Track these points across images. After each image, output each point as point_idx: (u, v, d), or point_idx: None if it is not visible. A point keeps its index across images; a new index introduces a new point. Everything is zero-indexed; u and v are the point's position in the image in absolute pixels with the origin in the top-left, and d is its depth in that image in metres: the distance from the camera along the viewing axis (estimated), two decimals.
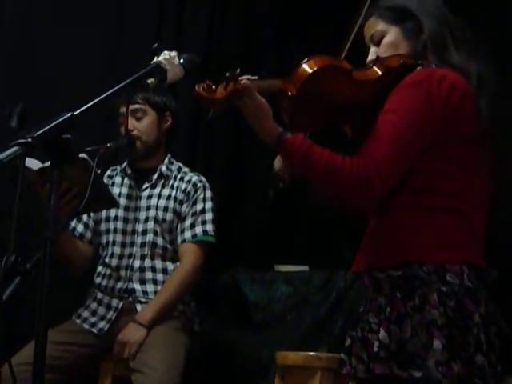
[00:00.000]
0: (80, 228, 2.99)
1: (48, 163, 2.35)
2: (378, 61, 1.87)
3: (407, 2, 1.93)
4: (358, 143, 1.83)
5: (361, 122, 1.87)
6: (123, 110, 2.94)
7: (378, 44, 1.94)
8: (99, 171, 2.55)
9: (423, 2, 1.92)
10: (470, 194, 1.81)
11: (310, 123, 1.91)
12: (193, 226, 2.92)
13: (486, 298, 1.79)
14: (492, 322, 1.77)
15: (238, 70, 1.81)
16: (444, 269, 1.74)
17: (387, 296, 1.78)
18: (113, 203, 2.73)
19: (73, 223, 2.98)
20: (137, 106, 2.95)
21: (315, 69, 1.80)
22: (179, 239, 2.93)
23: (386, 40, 1.92)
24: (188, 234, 2.91)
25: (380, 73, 1.84)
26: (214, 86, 1.82)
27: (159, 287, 2.87)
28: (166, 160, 3.02)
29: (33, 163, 2.47)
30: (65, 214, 2.44)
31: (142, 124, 2.95)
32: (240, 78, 1.81)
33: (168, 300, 2.81)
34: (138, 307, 2.85)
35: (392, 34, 1.91)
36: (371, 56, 1.94)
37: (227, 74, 1.79)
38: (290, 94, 1.81)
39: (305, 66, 1.80)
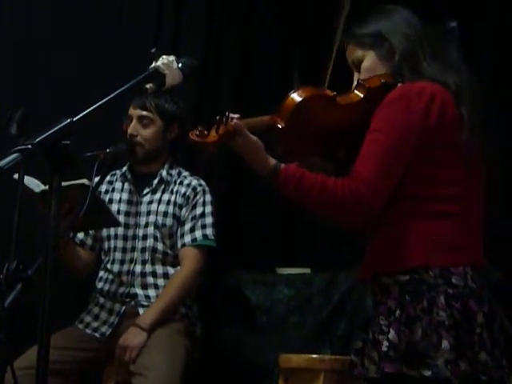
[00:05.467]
0: (80, 235, 3.00)
1: None
2: (358, 84, 1.99)
3: (378, 23, 2.03)
4: (352, 166, 1.92)
5: (353, 144, 1.94)
6: (131, 112, 2.94)
7: (358, 69, 2.05)
8: (98, 178, 2.55)
9: (393, 20, 2.02)
10: (467, 198, 1.89)
11: (303, 153, 2.03)
12: (192, 230, 2.92)
13: (489, 297, 1.86)
14: (495, 319, 1.85)
15: (227, 113, 1.92)
16: (449, 272, 1.82)
17: (396, 299, 1.85)
18: (114, 223, 2.78)
19: None
20: (145, 113, 2.94)
21: (300, 99, 1.93)
22: (179, 243, 2.93)
23: (364, 65, 2.03)
24: (188, 238, 2.91)
25: (362, 95, 1.97)
26: (205, 132, 1.95)
27: (161, 291, 2.87)
28: (167, 165, 3.02)
29: (34, 184, 2.48)
30: (66, 231, 2.49)
31: (147, 131, 2.94)
32: (230, 118, 1.92)
33: (169, 303, 2.81)
34: (141, 311, 2.85)
35: (368, 59, 2.02)
36: (355, 81, 2.05)
37: (217, 117, 1.92)
38: (279, 126, 1.93)
39: (290, 99, 1.94)
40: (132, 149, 2.91)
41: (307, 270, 3.21)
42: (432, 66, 1.94)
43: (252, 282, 3.18)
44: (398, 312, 1.82)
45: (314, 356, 2.62)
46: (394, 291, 1.86)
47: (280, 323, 3.06)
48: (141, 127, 2.93)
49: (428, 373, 1.75)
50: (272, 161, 1.92)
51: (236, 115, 1.96)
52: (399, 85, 1.95)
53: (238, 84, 3.76)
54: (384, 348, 1.80)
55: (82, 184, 2.48)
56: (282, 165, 1.91)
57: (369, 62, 2.02)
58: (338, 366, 2.52)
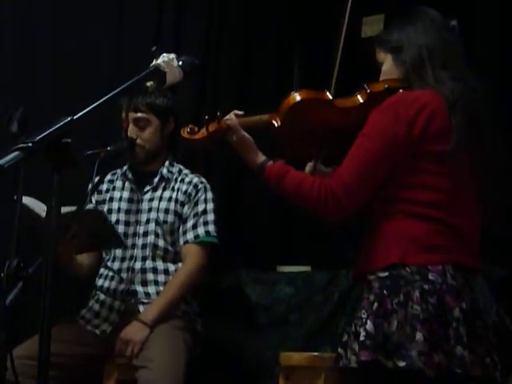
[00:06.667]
0: None
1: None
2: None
3: (400, 30, 2.11)
4: None
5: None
6: (125, 115, 2.94)
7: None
8: (98, 177, 2.57)
9: (414, 28, 2.09)
10: (454, 204, 1.97)
11: (301, 149, 2.14)
12: (195, 226, 2.92)
13: (473, 295, 1.95)
14: (477, 316, 1.93)
15: (219, 113, 2.11)
16: (426, 269, 1.91)
17: (376, 294, 1.94)
18: (120, 243, 2.82)
19: None
20: (140, 114, 2.93)
21: (296, 101, 2.07)
22: (181, 240, 2.93)
23: (383, 68, 2.14)
24: (190, 235, 2.92)
25: (362, 100, 2.07)
26: (196, 128, 2.16)
27: (161, 288, 2.87)
28: (167, 162, 3.02)
29: (40, 209, 2.49)
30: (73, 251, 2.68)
31: (145, 133, 2.94)
32: (225, 118, 2.11)
33: (171, 299, 2.82)
34: (141, 308, 2.85)
35: (386, 62, 2.13)
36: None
37: (206, 117, 2.13)
38: (276, 124, 2.09)
39: (288, 100, 2.08)
40: (132, 147, 2.91)
41: (308, 268, 3.21)
42: (438, 76, 2.01)
43: (252, 280, 3.17)
44: (375, 305, 1.91)
45: (315, 354, 2.62)
46: (375, 286, 1.95)
47: (280, 321, 3.05)
48: (138, 130, 2.93)
49: (402, 363, 1.83)
50: (261, 157, 2.09)
51: (240, 112, 2.13)
52: (400, 91, 2.03)
53: (238, 83, 3.76)
54: (361, 338, 1.89)
55: (93, 209, 2.54)
56: (270, 162, 2.07)
57: (386, 66, 2.13)
58: None
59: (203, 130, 2.14)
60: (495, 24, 3.26)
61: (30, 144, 1.41)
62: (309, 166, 2.17)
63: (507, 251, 2.77)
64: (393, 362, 1.84)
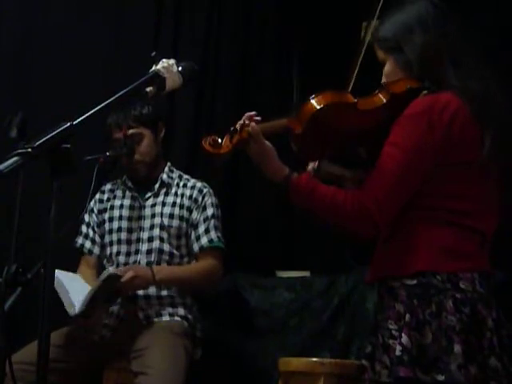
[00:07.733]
0: (88, 244, 3.03)
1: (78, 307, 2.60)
2: (383, 87, 1.95)
3: (395, 27, 1.97)
4: (372, 164, 1.92)
5: (374, 144, 1.93)
6: (118, 136, 2.93)
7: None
8: (93, 184, 2.59)
9: (409, 24, 1.95)
10: (479, 210, 1.90)
11: (319, 153, 2.03)
12: (207, 231, 2.96)
13: (496, 303, 1.88)
14: (503, 325, 1.86)
15: (243, 121, 1.94)
16: (457, 277, 1.83)
17: (405, 303, 1.85)
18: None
19: (80, 240, 3.04)
20: (131, 131, 2.93)
21: (319, 107, 1.90)
22: (196, 246, 2.96)
23: (385, 69, 2.00)
24: (205, 240, 2.95)
25: (385, 100, 1.92)
26: (219, 140, 1.96)
27: (162, 292, 2.88)
28: (166, 168, 3.04)
29: (70, 303, 2.62)
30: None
31: (141, 147, 2.95)
32: (246, 123, 1.93)
33: (183, 276, 2.89)
34: (140, 315, 2.85)
35: (388, 63, 1.99)
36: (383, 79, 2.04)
37: (232, 128, 1.94)
38: (296, 132, 1.92)
39: (309, 105, 1.91)
40: (132, 152, 2.92)
41: (307, 273, 3.21)
42: (455, 75, 1.89)
43: (251, 285, 3.18)
44: (407, 316, 1.83)
45: (314, 359, 2.61)
46: (402, 295, 1.86)
47: (279, 326, 3.05)
48: (135, 145, 2.94)
49: (441, 377, 1.75)
50: (285, 170, 1.94)
51: (253, 112, 1.97)
52: (424, 92, 1.92)
53: (236, 85, 3.76)
54: (398, 353, 1.80)
55: (111, 276, 2.66)
56: (295, 174, 1.93)
57: (388, 67, 1.99)
58: (337, 369, 2.52)
59: (227, 143, 1.97)
60: (492, 17, 3.25)
61: (30, 149, 1.41)
62: (311, 166, 2.06)
63: (507, 254, 2.76)
64: (431, 376, 1.76)
